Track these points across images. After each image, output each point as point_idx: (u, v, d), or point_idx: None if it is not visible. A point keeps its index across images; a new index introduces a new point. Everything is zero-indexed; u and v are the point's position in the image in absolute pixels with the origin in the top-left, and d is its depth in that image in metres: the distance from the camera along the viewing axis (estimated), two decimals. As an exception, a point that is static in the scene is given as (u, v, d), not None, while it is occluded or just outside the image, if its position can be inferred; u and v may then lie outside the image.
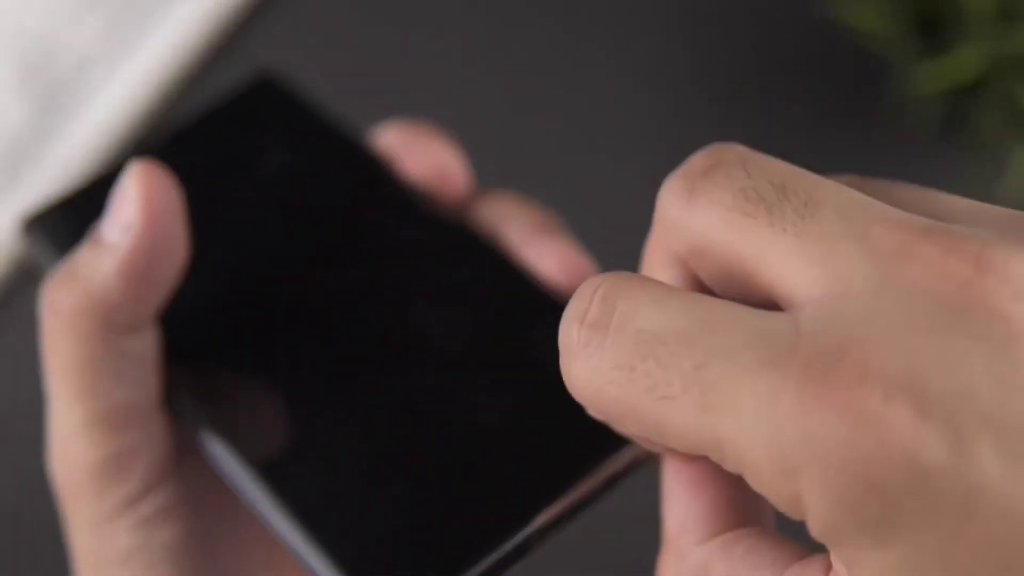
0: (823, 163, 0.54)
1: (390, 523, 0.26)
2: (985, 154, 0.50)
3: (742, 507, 0.23)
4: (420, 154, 0.32)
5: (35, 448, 0.50)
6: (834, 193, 0.20)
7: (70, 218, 0.32)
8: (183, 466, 0.30)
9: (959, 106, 0.50)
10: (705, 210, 0.20)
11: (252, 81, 0.35)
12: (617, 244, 0.53)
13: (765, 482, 0.19)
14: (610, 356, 0.20)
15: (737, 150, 0.21)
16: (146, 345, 0.29)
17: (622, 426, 0.21)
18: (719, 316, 0.19)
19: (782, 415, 0.18)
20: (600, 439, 0.26)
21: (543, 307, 0.29)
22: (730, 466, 0.19)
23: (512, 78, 0.56)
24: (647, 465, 0.27)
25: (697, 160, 0.21)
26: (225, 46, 0.57)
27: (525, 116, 0.55)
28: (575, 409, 0.27)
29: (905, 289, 0.18)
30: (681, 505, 0.23)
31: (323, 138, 0.34)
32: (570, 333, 0.21)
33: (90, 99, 0.55)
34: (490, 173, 0.54)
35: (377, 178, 0.33)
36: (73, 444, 0.28)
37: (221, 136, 0.34)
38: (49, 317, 0.28)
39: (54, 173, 0.54)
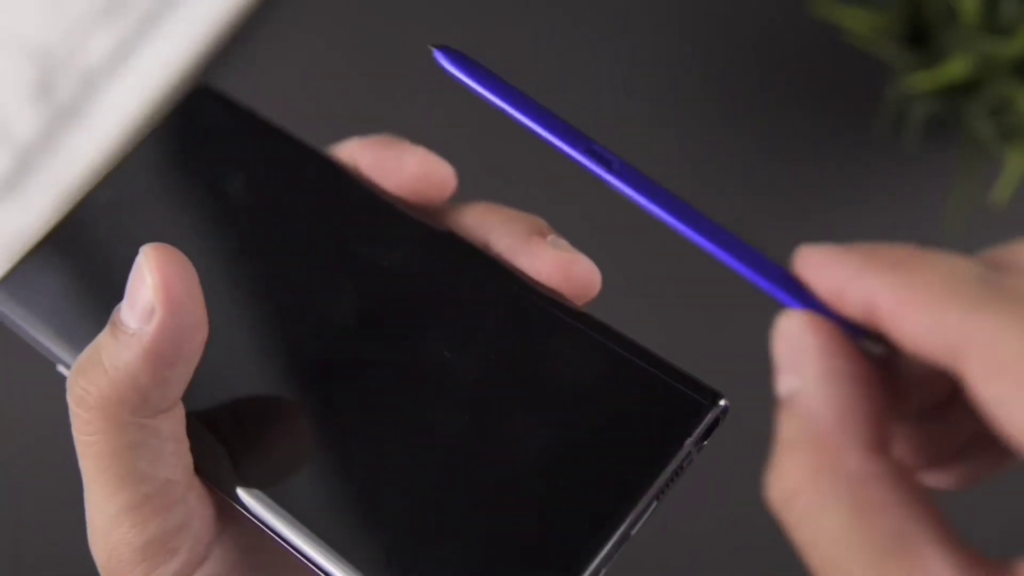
0: (819, 164, 0.55)
1: (451, 561, 0.26)
2: (978, 157, 0.51)
3: (889, 422, 0.22)
4: (403, 161, 0.31)
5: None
6: None
7: (37, 277, 0.31)
8: (227, 533, 0.30)
9: (952, 110, 0.51)
10: None
11: (191, 97, 0.34)
12: (616, 245, 0.54)
13: None
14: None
15: None
16: (178, 421, 0.28)
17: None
18: None
19: None
20: (637, 450, 0.26)
21: (553, 316, 0.29)
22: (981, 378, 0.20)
23: (512, 81, 0.57)
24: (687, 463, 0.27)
25: None
26: (228, 60, 0.58)
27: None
28: (613, 416, 0.27)
29: None
30: (845, 396, 0.22)
31: (284, 150, 0.32)
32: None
33: (98, 112, 0.56)
34: (488, 177, 0.54)
35: (353, 190, 0.31)
36: (117, 530, 0.28)
37: (180, 154, 0.33)
38: (78, 410, 0.28)
39: (61, 182, 0.55)
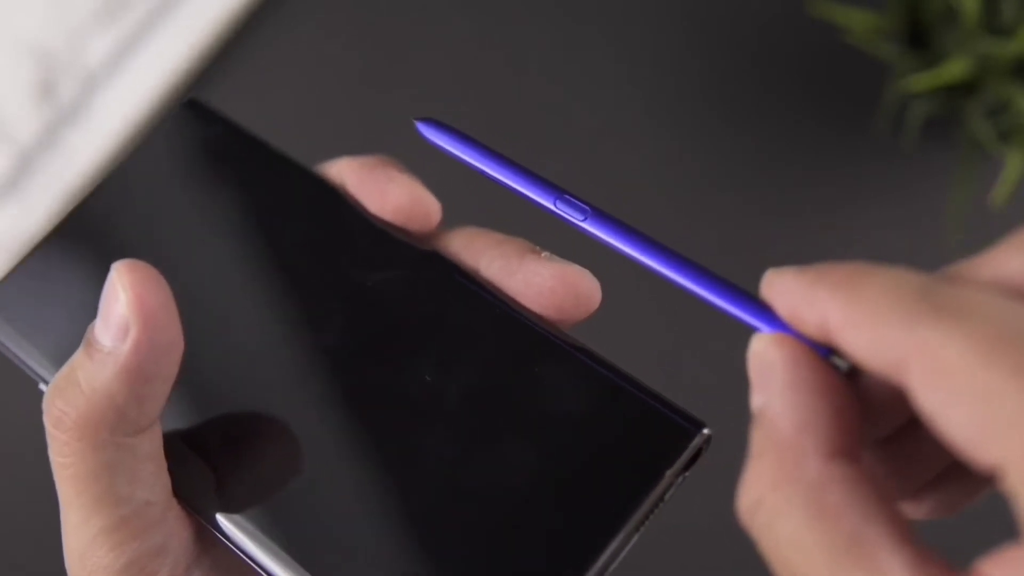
0: (819, 163, 0.55)
1: None
2: (977, 158, 0.51)
3: (857, 431, 0.23)
4: (386, 190, 0.31)
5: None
6: None
7: (21, 293, 0.31)
8: (207, 555, 0.29)
9: (952, 110, 0.51)
10: None
11: (181, 111, 0.33)
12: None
13: (971, 440, 0.20)
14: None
15: None
16: (156, 441, 0.28)
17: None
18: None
19: None
20: (629, 471, 0.26)
21: (537, 339, 0.28)
22: (930, 392, 0.20)
23: (512, 86, 0.57)
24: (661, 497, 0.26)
25: None
26: (228, 62, 0.58)
27: (525, 126, 0.56)
28: (594, 444, 0.26)
29: None
30: (805, 406, 0.22)
31: (272, 166, 0.32)
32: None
33: (99, 113, 0.56)
34: (482, 193, 0.54)
35: (339, 210, 0.31)
36: (94, 553, 0.27)
37: (167, 170, 0.32)
38: (55, 430, 0.27)
39: (62, 183, 0.55)
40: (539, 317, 0.28)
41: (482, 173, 0.29)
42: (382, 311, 0.29)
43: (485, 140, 0.55)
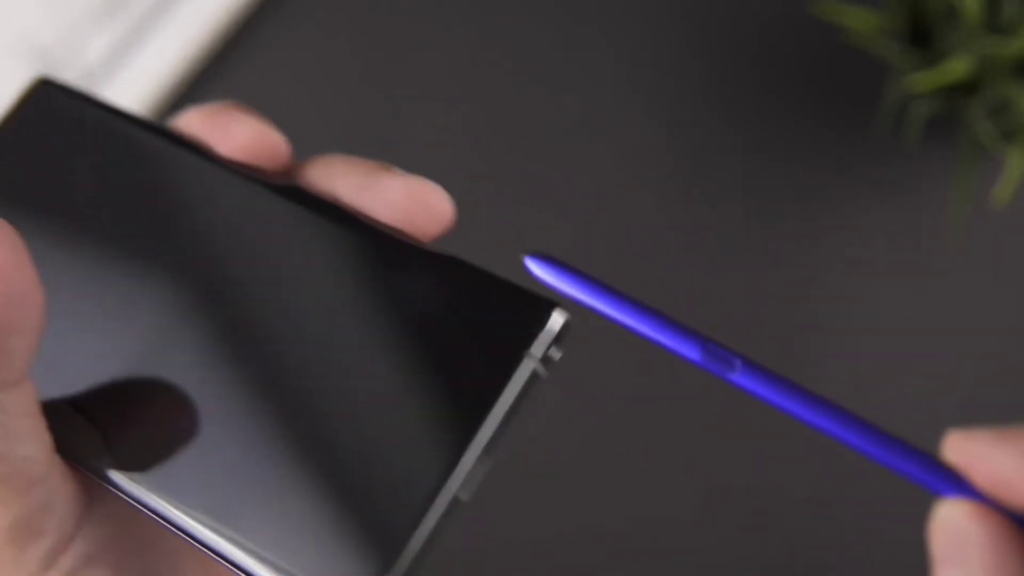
0: (819, 164, 0.55)
1: (317, 514, 0.26)
2: (978, 157, 0.51)
3: None
4: (230, 131, 0.31)
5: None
6: None
7: None
8: (96, 508, 0.29)
9: (953, 110, 0.51)
10: None
11: (32, 90, 0.34)
12: (616, 251, 0.53)
13: None
14: None
15: None
16: (28, 397, 0.27)
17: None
18: None
19: None
20: (490, 369, 0.26)
21: (398, 253, 0.29)
22: None
23: (512, 86, 0.57)
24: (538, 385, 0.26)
25: None
26: (227, 61, 0.58)
27: (525, 126, 0.56)
28: (451, 340, 0.27)
29: None
30: (991, 559, 0.21)
31: (128, 131, 0.32)
32: None
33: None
34: (484, 180, 0.54)
35: (196, 160, 0.31)
36: None
37: (24, 149, 0.33)
38: None
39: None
40: (396, 230, 0.29)
41: (604, 316, 0.27)
42: (244, 248, 0.30)
43: (485, 139, 0.55)
